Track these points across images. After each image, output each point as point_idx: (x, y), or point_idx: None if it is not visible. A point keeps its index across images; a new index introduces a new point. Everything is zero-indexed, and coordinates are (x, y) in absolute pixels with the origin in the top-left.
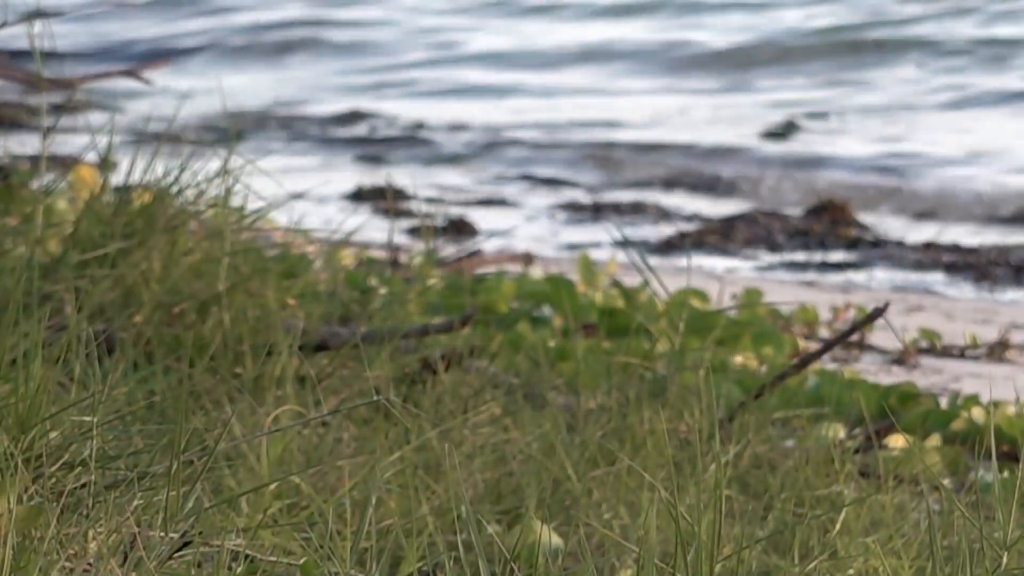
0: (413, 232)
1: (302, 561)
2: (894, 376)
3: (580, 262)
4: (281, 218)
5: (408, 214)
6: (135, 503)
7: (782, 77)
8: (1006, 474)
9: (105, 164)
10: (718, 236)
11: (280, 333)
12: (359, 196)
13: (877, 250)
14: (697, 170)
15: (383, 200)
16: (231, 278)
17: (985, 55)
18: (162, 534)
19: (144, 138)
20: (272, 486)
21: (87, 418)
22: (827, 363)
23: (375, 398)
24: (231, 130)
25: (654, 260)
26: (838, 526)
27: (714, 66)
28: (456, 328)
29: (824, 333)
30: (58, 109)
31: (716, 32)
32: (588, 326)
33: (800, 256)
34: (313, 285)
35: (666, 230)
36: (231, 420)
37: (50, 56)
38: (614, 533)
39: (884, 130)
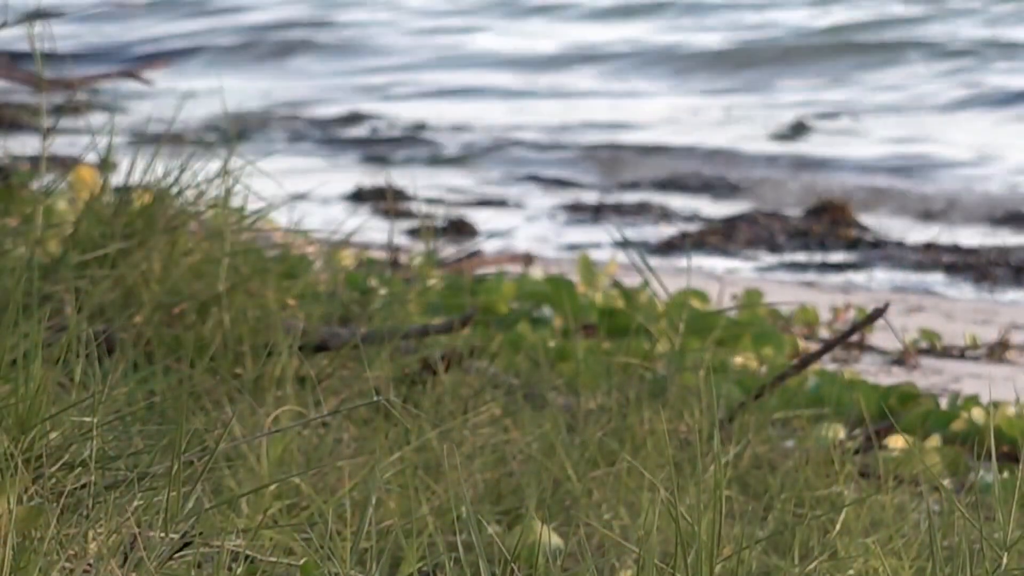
0: (413, 233)
1: (302, 561)
2: (894, 377)
3: (580, 262)
4: (281, 219)
5: (408, 215)
6: (135, 503)
7: (789, 78)
8: (1006, 474)
9: (105, 164)
10: (719, 237)
11: (280, 333)
12: (359, 197)
13: (877, 251)
14: (699, 171)
15: (383, 201)
16: (231, 278)
17: (991, 55)
18: (162, 535)
19: (145, 139)
20: (272, 487)
21: (87, 418)
22: (827, 363)
23: (375, 399)
24: (231, 131)
25: (654, 261)
26: (838, 526)
27: (719, 67)
28: (456, 328)
29: (824, 333)
30: (59, 110)
31: (720, 32)
32: (588, 326)
33: (800, 257)
34: (313, 286)
35: (667, 231)
36: (231, 421)
37: (50, 57)
38: (614, 533)
39: (892, 131)
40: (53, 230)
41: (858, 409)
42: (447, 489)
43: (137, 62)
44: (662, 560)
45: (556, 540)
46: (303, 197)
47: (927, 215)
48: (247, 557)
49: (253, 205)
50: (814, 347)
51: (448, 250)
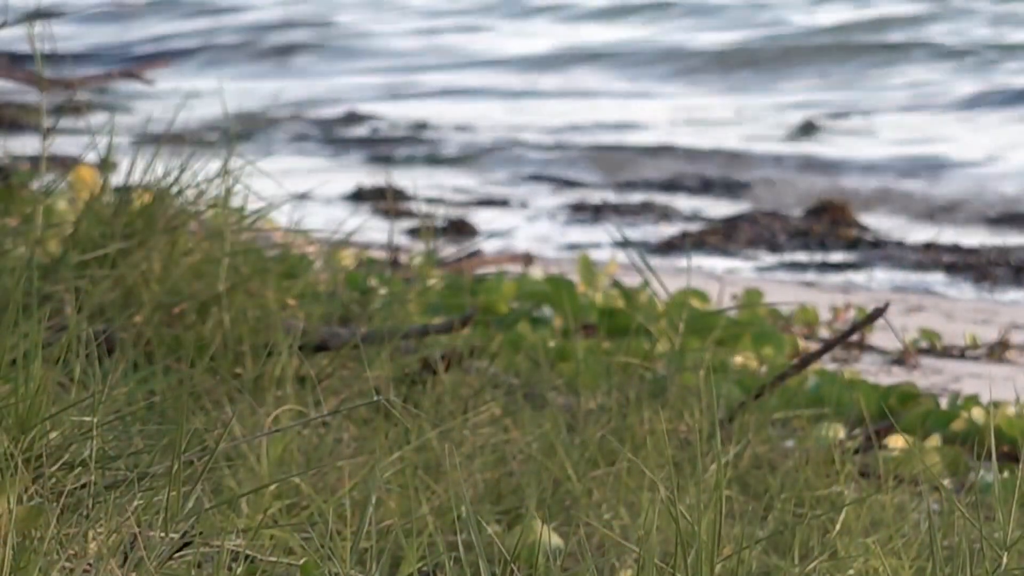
0: (413, 233)
1: (302, 561)
2: (894, 376)
3: (580, 262)
4: (282, 218)
5: (409, 215)
6: (135, 503)
7: (794, 78)
8: (1006, 474)
9: (105, 164)
10: (719, 237)
11: (280, 333)
12: (359, 197)
13: (877, 250)
14: (702, 172)
15: (384, 201)
16: (231, 278)
17: (998, 56)
18: (162, 534)
19: (145, 139)
20: (272, 486)
21: (87, 418)
22: (827, 363)
23: (375, 398)
24: (232, 131)
25: (655, 261)
26: (838, 526)
27: (724, 67)
28: (456, 328)
29: (824, 333)
30: (59, 110)
31: (725, 32)
32: (588, 326)
33: (800, 256)
34: (313, 285)
35: (667, 230)
36: (231, 420)
37: (51, 57)
38: (614, 533)
39: (899, 132)
40: (53, 230)
41: (858, 409)
42: (447, 489)
43: (137, 62)
44: (662, 560)
45: (556, 540)
46: (304, 197)
47: (933, 215)
48: (247, 557)
49: (253, 205)
50: (814, 347)
51: (448, 250)
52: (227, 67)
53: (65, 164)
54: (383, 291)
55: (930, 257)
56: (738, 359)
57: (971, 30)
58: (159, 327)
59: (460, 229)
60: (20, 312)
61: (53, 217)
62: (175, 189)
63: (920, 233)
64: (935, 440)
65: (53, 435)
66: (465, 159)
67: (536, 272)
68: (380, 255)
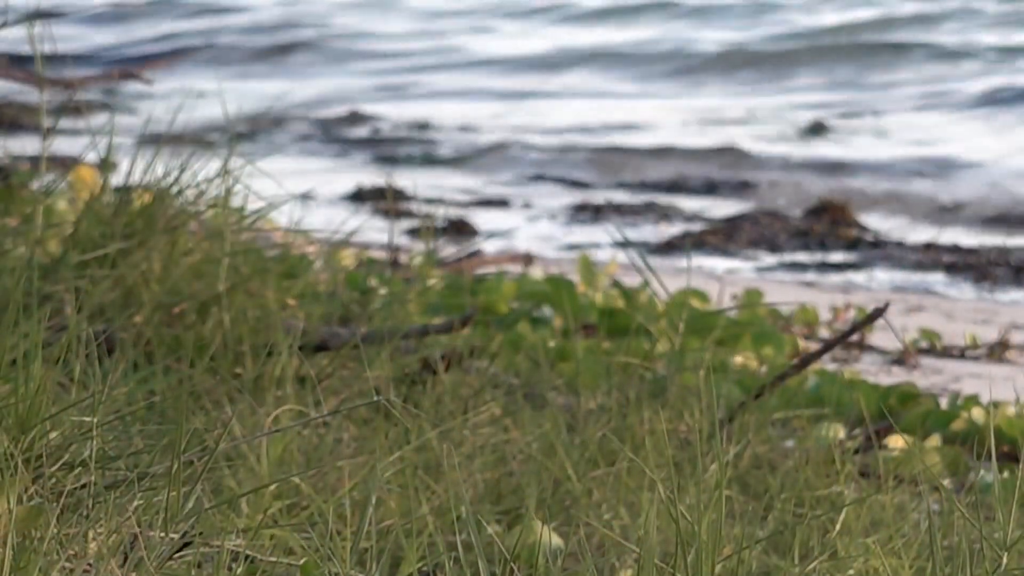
0: (413, 233)
1: (302, 561)
2: (894, 376)
3: (580, 262)
4: (282, 219)
5: (409, 215)
6: (135, 503)
7: (801, 79)
8: (1006, 474)
9: (105, 164)
10: (719, 237)
11: (280, 333)
12: (360, 197)
13: (877, 250)
14: (704, 172)
15: (384, 201)
16: (231, 278)
17: (1005, 56)
18: (162, 534)
19: (146, 139)
20: (272, 486)
21: (87, 418)
22: (827, 363)
23: (375, 398)
24: (233, 131)
25: (655, 261)
26: (838, 526)
27: (727, 67)
28: (456, 328)
29: (824, 333)
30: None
31: (728, 32)
32: (588, 326)
33: (801, 256)
34: (313, 285)
35: (668, 230)
36: (231, 420)
37: (51, 57)
38: (614, 533)
39: (907, 133)
40: (53, 230)
41: (858, 409)
42: (447, 489)
43: (137, 62)
44: (662, 560)
45: (556, 540)
46: (304, 197)
47: (940, 215)
48: (247, 557)
49: (254, 205)
50: (814, 347)
51: (448, 250)
52: (228, 67)
53: (65, 164)
54: (383, 291)
55: (930, 257)
56: (738, 359)
57: (977, 30)
58: (159, 327)
59: (460, 229)
60: (20, 312)
61: (53, 217)
62: (175, 189)
63: (924, 233)
64: (935, 440)
65: (53, 435)
66: (466, 159)
67: (536, 272)
68: (380, 255)
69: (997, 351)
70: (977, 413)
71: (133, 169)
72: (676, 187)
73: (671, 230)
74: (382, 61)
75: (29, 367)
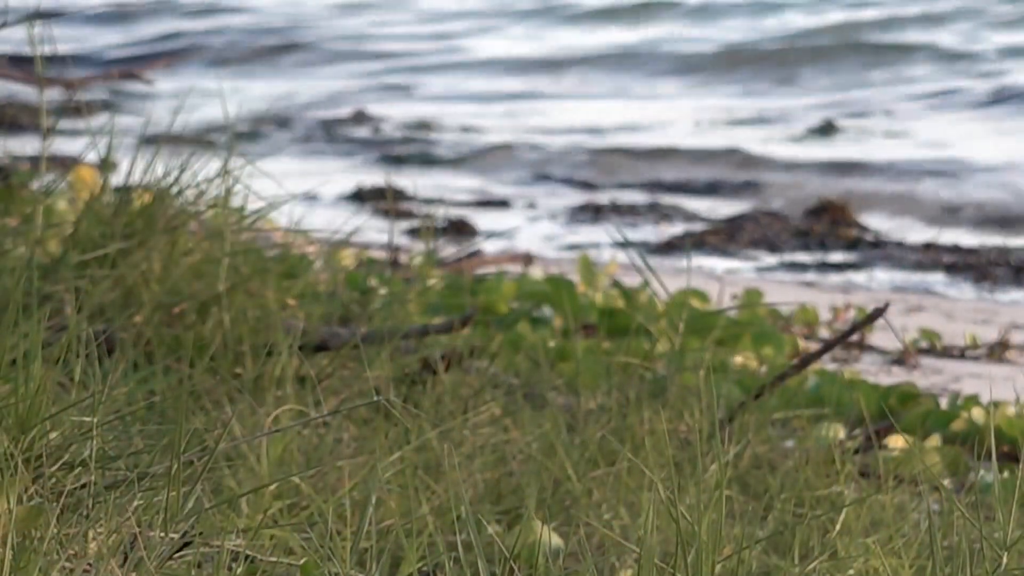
0: (413, 233)
1: (302, 561)
2: (894, 376)
3: (580, 262)
4: (282, 219)
5: (410, 215)
6: (135, 503)
7: (807, 79)
8: (1006, 474)
9: (105, 164)
10: (719, 237)
11: (280, 333)
12: (360, 197)
13: (877, 250)
14: (705, 173)
15: (384, 201)
16: (231, 278)
17: (1000, 58)
18: (162, 534)
19: (146, 139)
20: (272, 486)
21: (87, 418)
22: (827, 363)
23: (375, 398)
24: (233, 131)
25: (655, 261)
26: (838, 526)
27: (730, 68)
28: (456, 328)
29: (824, 333)
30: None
31: (730, 33)
32: (588, 326)
33: (801, 256)
34: (313, 285)
35: (668, 230)
36: (231, 420)
37: (51, 58)
38: (614, 533)
39: (909, 135)
40: (53, 230)
41: (858, 409)
42: (447, 489)
43: (138, 62)
44: (662, 560)
45: (556, 540)
46: (304, 197)
47: (947, 217)
48: (247, 557)
49: (254, 205)
50: (814, 347)
51: (449, 250)
52: (229, 67)
53: (65, 164)
54: (383, 291)
55: (930, 257)
56: (738, 359)
57: (983, 29)
58: (159, 327)
59: (461, 229)
60: (20, 312)
61: (53, 217)
62: (175, 189)
63: (926, 233)
64: (935, 440)
65: (53, 435)
66: (468, 160)
67: (536, 272)
68: (380, 255)
69: (997, 351)
70: (977, 413)
71: (133, 169)
72: (680, 188)
73: (672, 230)
74: (384, 61)
75: (29, 367)
